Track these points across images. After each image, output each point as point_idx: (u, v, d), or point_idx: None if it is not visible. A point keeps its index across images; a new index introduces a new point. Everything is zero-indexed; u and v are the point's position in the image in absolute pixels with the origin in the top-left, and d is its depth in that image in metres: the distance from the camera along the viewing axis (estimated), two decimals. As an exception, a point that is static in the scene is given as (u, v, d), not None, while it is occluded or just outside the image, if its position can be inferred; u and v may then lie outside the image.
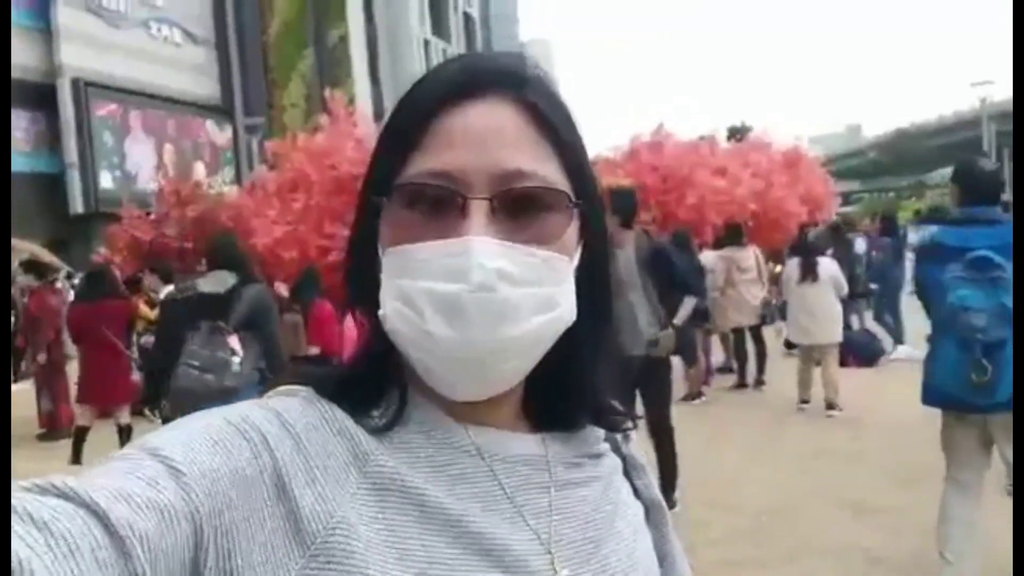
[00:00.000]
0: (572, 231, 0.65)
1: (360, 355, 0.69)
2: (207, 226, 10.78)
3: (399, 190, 0.62)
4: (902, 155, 60.05)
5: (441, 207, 0.61)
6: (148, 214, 11.56)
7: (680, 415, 7.74)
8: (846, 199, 39.23)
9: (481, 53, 0.69)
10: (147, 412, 8.73)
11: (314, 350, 6.64)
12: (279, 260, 9.75)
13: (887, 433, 6.54)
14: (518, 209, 0.61)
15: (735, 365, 9.22)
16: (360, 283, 0.66)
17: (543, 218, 0.62)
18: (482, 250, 0.59)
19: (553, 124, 0.64)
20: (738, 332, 9.11)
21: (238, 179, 21.18)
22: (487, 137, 0.61)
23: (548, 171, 0.63)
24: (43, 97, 19.49)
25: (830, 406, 7.51)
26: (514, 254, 0.60)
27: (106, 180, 20.37)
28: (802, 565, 4.20)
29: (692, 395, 8.44)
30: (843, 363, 8.29)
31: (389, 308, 0.62)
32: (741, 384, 8.98)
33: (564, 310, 0.63)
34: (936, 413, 3.61)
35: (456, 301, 0.58)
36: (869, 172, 64.96)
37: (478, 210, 0.60)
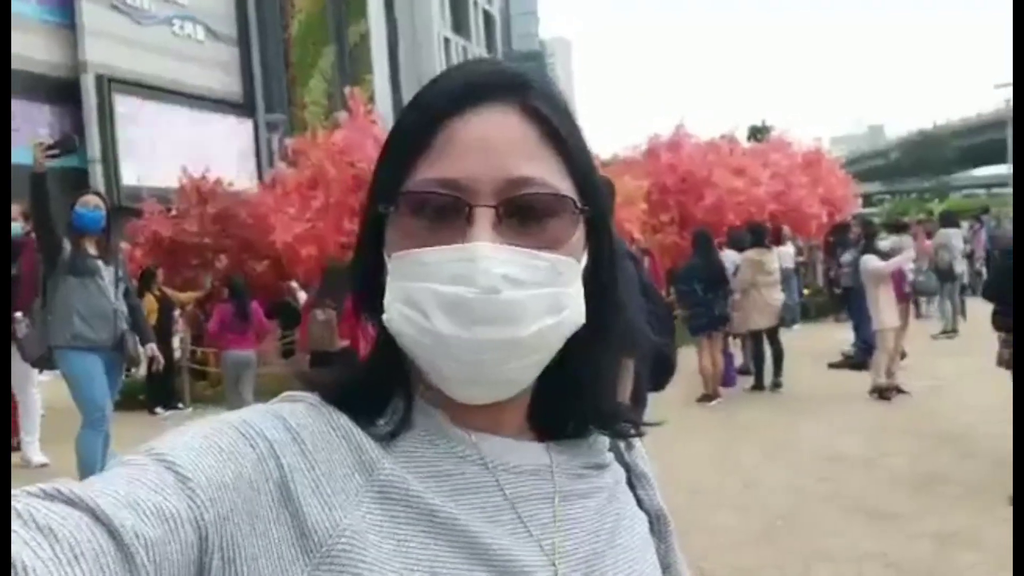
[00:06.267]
0: (578, 236, 0.64)
1: (366, 362, 0.69)
2: (227, 222, 10.85)
3: (404, 198, 0.62)
4: (925, 156, 59.40)
5: (447, 215, 0.61)
6: (169, 210, 11.66)
7: (696, 417, 7.75)
8: (868, 200, 38.82)
9: (484, 59, 0.69)
10: (158, 410, 8.88)
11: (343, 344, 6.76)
12: (297, 257, 9.81)
13: (904, 438, 6.49)
14: (524, 215, 0.61)
15: (752, 367, 9.18)
16: (366, 290, 0.67)
17: (549, 224, 0.62)
18: (488, 255, 0.59)
19: (558, 130, 0.64)
20: (756, 334, 9.07)
21: (259, 176, 21.29)
22: (492, 144, 0.61)
23: (553, 177, 0.62)
24: (68, 93, 19.72)
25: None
26: (520, 258, 0.60)
27: (128, 175, 20.55)
28: (818, 571, 4.16)
29: (709, 397, 8.41)
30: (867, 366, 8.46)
31: (394, 312, 0.62)
32: (758, 386, 8.94)
33: (571, 312, 0.63)
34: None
35: (462, 303, 0.58)
36: (891, 173, 64.34)
37: (483, 217, 0.60)
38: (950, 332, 11.93)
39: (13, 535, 0.46)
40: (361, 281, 0.67)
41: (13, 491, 0.50)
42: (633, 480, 0.76)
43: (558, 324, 0.62)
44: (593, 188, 0.66)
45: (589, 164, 0.66)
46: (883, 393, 7.91)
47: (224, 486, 0.55)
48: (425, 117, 0.63)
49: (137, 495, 0.51)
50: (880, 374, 8.00)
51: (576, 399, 0.71)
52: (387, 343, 0.65)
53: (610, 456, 0.74)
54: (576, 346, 0.65)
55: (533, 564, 0.62)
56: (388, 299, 0.62)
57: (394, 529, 0.59)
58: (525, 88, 0.64)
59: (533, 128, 0.63)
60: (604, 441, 0.74)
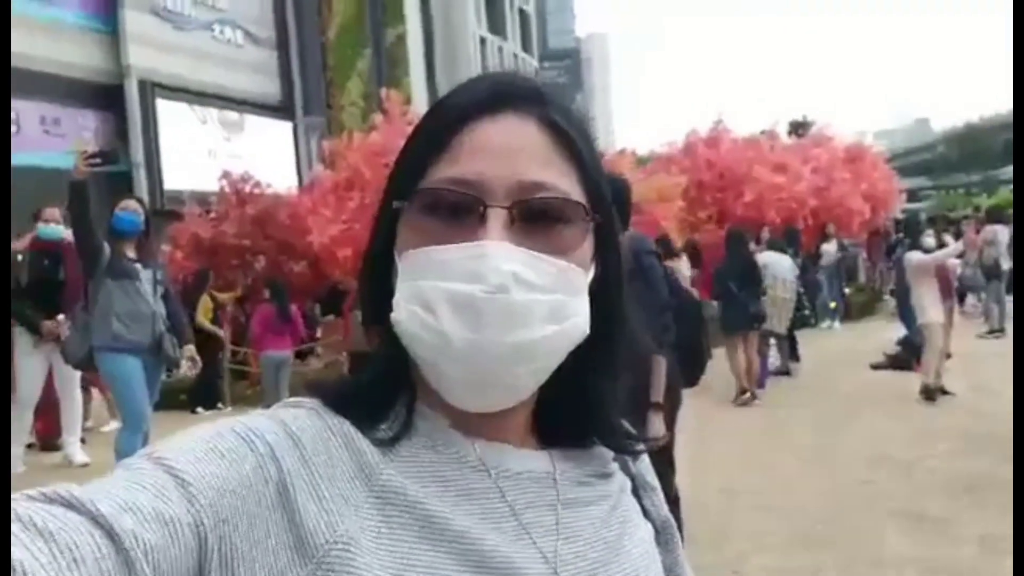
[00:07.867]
0: (587, 246, 0.65)
1: (369, 368, 0.69)
2: (265, 224, 11.00)
3: (420, 194, 0.63)
4: (972, 150, 57.98)
5: (460, 213, 0.62)
6: (209, 212, 11.86)
7: (732, 417, 7.66)
8: (913, 196, 37.96)
9: (507, 72, 0.71)
10: (199, 410, 9.02)
11: None
12: (334, 258, 9.90)
13: (947, 440, 6.34)
14: (536, 220, 0.62)
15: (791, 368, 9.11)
16: (374, 294, 0.67)
17: (560, 230, 0.63)
18: (499, 254, 0.59)
19: (573, 142, 0.65)
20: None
21: (299, 178, 21.54)
22: (509, 150, 0.63)
23: (567, 185, 0.64)
24: (112, 98, 20.12)
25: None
26: (530, 260, 0.61)
27: (171, 179, 20.91)
28: (858, 574, 4.09)
29: (745, 396, 8.30)
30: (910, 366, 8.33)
31: (404, 311, 0.62)
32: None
33: (578, 321, 0.63)
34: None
35: (472, 301, 0.59)
36: (937, 168, 62.91)
37: (496, 218, 0.61)
38: (996, 332, 11.62)
39: (12, 538, 0.46)
40: (370, 285, 0.68)
41: (13, 495, 0.50)
42: (639, 489, 0.76)
43: (563, 332, 0.62)
44: (604, 202, 0.67)
45: (602, 178, 0.68)
46: (928, 394, 7.74)
47: (224, 491, 0.55)
48: (445, 120, 0.65)
49: (137, 499, 0.52)
50: (930, 374, 7.80)
51: (581, 408, 0.71)
52: (391, 348, 0.65)
53: (615, 465, 0.74)
54: (579, 357, 0.66)
55: (534, 571, 0.62)
56: (397, 297, 0.63)
57: (392, 535, 0.59)
58: (544, 101, 0.66)
59: (549, 138, 0.64)
60: (608, 450, 0.74)
